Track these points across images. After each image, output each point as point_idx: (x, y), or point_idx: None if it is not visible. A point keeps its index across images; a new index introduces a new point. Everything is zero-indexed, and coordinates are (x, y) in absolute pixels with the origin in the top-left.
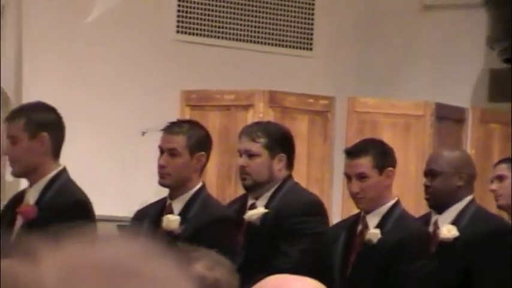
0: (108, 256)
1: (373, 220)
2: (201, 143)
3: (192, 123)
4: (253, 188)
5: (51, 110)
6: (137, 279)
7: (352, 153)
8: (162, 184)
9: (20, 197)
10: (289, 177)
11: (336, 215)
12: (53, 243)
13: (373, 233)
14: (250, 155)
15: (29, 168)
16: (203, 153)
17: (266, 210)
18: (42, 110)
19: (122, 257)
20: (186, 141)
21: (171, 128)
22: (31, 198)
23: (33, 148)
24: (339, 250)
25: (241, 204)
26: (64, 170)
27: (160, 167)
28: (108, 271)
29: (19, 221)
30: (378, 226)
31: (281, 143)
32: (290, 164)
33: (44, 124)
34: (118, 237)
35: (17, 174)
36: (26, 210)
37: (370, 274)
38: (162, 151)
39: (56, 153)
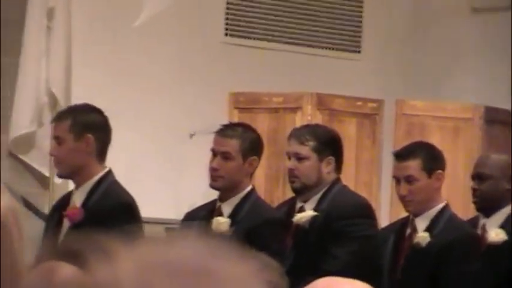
0: (182, 256)
1: (421, 223)
2: (254, 147)
3: (245, 127)
4: (301, 191)
5: (97, 111)
6: (210, 279)
7: (401, 155)
8: (213, 187)
9: (66, 199)
10: (338, 180)
11: (384, 218)
12: (128, 244)
13: (422, 237)
14: (299, 158)
15: (73, 169)
16: (255, 157)
17: (315, 213)
18: (88, 112)
19: (196, 257)
20: (240, 145)
21: (225, 131)
22: (77, 200)
23: (78, 149)
24: (387, 253)
25: (290, 207)
26: (110, 172)
27: (213, 170)
28: (182, 271)
29: (66, 223)
30: (426, 229)
31: (330, 146)
32: (338, 167)
33: (89, 126)
34: (191, 238)
35: (62, 175)
36: (73, 213)
37: (419, 277)
38: (214, 154)
39: (101, 155)
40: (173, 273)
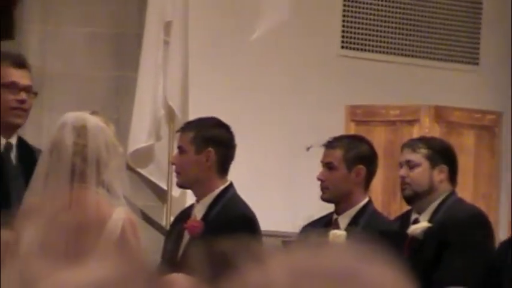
0: (330, 261)
1: None
2: (360, 156)
3: (353, 138)
4: (413, 199)
5: (223, 126)
6: (358, 283)
7: None
8: (322, 198)
9: (188, 212)
10: (453, 192)
11: (503, 231)
12: (279, 250)
13: None
14: (411, 166)
15: (192, 180)
16: (362, 166)
17: (429, 224)
18: (213, 126)
19: (343, 261)
20: (343, 155)
21: (330, 143)
22: (198, 213)
23: (198, 162)
24: (507, 264)
25: (405, 219)
26: (231, 186)
27: (319, 181)
28: (331, 275)
29: (186, 236)
30: None
31: (442, 154)
32: (453, 179)
33: (211, 140)
34: (339, 244)
35: (181, 185)
36: (193, 226)
37: None
38: (322, 166)
39: (222, 169)
40: (322, 277)
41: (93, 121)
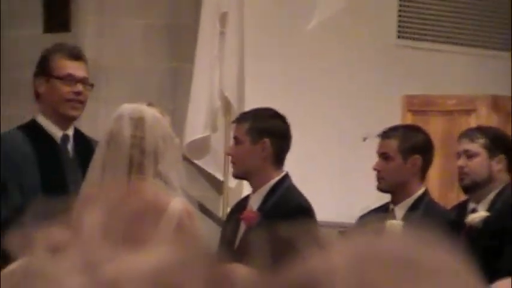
0: (393, 247)
1: None
2: (416, 146)
3: (408, 128)
4: (471, 189)
5: (278, 117)
6: (421, 269)
7: None
8: (378, 188)
9: (244, 202)
10: (511, 182)
11: None
12: (341, 237)
13: None
14: (469, 155)
15: (248, 171)
16: (418, 156)
17: (487, 214)
18: (268, 117)
19: (405, 248)
20: (398, 145)
21: (386, 133)
22: (254, 204)
23: (254, 152)
24: None
25: (462, 209)
26: (287, 176)
27: (376, 171)
28: (393, 261)
29: (242, 227)
30: None
31: (501, 144)
32: (511, 168)
33: (267, 130)
34: (399, 232)
35: (237, 175)
36: (249, 216)
37: None
38: (378, 156)
39: (278, 160)
40: (384, 262)
41: (150, 113)
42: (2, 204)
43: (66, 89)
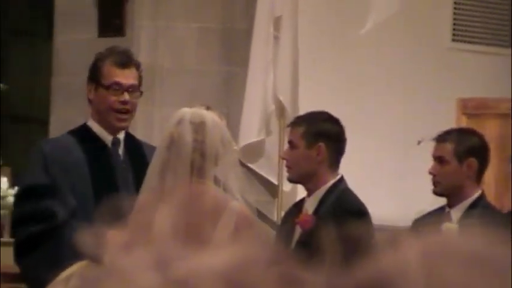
0: (464, 246)
1: None
2: (472, 149)
3: (463, 131)
4: None
5: (333, 121)
6: (489, 267)
7: None
8: (434, 192)
9: (299, 206)
10: None
11: None
12: (412, 235)
13: None
14: None
15: (303, 175)
16: (473, 159)
17: None
18: (323, 120)
19: (477, 245)
20: (454, 149)
21: (441, 137)
22: (309, 207)
23: (309, 156)
24: None
25: None
26: (342, 179)
27: (431, 175)
28: (466, 260)
29: (298, 231)
30: None
31: None
32: None
33: (322, 134)
34: (470, 229)
35: (292, 179)
36: (304, 220)
37: None
38: (434, 159)
39: (333, 163)
40: (455, 261)
41: (210, 117)
42: (59, 207)
43: (112, 99)
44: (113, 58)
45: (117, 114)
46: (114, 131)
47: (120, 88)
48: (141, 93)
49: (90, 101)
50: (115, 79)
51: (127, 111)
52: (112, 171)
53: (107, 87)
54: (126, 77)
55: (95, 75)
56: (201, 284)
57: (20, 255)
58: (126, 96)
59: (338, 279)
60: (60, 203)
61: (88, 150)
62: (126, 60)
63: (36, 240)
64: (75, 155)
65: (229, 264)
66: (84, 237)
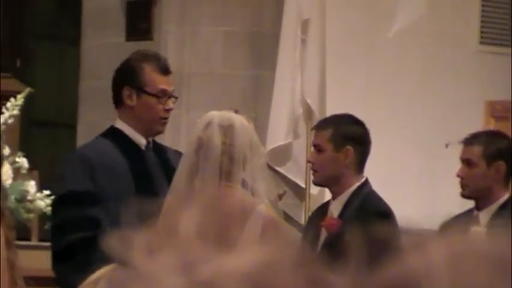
0: (492, 248)
1: None
2: (500, 152)
3: (492, 133)
4: None
5: (359, 123)
6: None
7: None
8: (462, 195)
9: (324, 209)
10: None
11: None
12: (438, 236)
13: None
14: None
15: (329, 178)
16: (501, 162)
17: None
18: (349, 123)
19: (505, 249)
20: (482, 151)
21: (469, 139)
22: (335, 211)
23: (337, 160)
24: None
25: None
26: (367, 182)
27: (459, 178)
28: (493, 262)
29: (323, 234)
30: None
31: None
32: None
33: (349, 137)
34: (494, 231)
35: (318, 183)
36: (330, 223)
37: None
38: (462, 162)
39: (359, 166)
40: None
41: (239, 120)
42: (102, 214)
43: (159, 107)
44: (155, 64)
45: (161, 120)
46: (150, 135)
47: (165, 95)
48: (177, 98)
49: (123, 104)
50: (161, 86)
51: (168, 117)
52: (151, 175)
53: (155, 96)
54: (169, 84)
55: (134, 81)
56: (227, 285)
57: (59, 261)
58: (171, 104)
59: (363, 280)
60: (104, 211)
61: (126, 155)
62: (168, 67)
63: (79, 248)
64: (117, 161)
65: (255, 265)
66: (112, 240)
